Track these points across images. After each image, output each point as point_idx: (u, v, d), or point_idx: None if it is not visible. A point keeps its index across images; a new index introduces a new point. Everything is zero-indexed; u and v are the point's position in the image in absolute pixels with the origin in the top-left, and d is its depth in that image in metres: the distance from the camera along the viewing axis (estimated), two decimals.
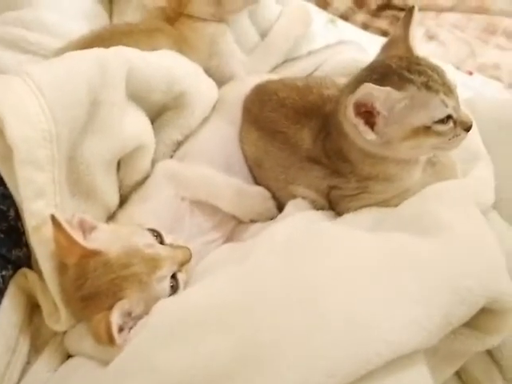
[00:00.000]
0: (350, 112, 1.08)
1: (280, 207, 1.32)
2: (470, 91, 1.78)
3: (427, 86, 1.08)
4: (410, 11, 1.19)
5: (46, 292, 1.16)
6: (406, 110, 1.08)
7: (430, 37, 2.02)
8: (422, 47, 1.94)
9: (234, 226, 1.35)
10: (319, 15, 1.98)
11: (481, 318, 1.01)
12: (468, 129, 1.13)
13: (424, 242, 1.05)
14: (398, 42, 1.18)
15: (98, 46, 1.30)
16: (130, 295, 1.08)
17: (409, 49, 1.16)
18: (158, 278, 1.10)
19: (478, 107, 1.42)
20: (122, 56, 1.25)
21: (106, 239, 1.12)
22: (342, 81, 1.28)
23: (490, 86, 1.86)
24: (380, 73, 1.12)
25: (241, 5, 1.52)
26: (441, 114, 1.09)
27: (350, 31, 1.96)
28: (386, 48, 1.20)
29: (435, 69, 1.12)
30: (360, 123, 1.09)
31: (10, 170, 1.10)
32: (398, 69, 1.11)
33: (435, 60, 1.78)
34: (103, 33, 1.45)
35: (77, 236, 1.08)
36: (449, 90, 1.11)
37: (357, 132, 1.12)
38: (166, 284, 1.12)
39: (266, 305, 0.95)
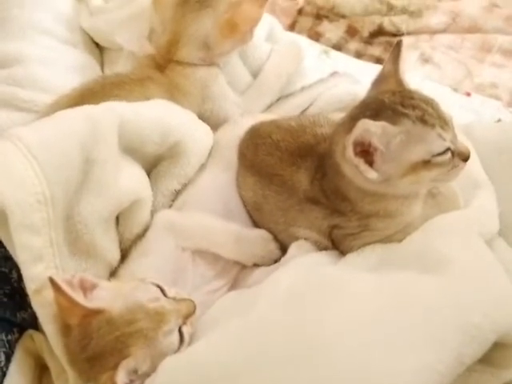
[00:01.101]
0: (350, 153, 1.07)
1: (283, 248, 1.31)
2: (469, 113, 1.77)
3: (423, 120, 1.07)
4: (397, 45, 1.17)
5: (53, 353, 1.15)
6: (402, 146, 1.07)
7: (425, 60, 2.01)
8: (417, 71, 1.95)
9: (238, 271, 1.33)
10: (312, 47, 1.97)
11: (494, 353, 1.00)
12: (466, 159, 1.12)
13: (429, 280, 1.04)
14: (389, 77, 1.17)
15: (89, 99, 1.32)
16: (136, 352, 1.06)
17: (400, 83, 1.15)
18: (165, 333, 1.08)
19: (476, 133, 1.42)
20: (112, 111, 1.25)
21: (108, 297, 1.11)
22: (336, 117, 1.27)
23: (489, 105, 1.84)
24: (373, 109, 1.11)
25: (230, 47, 1.51)
26: (439, 148, 1.08)
27: (343, 61, 1.95)
28: (376, 83, 1.19)
29: (429, 102, 1.11)
30: (361, 162, 1.08)
31: (8, 234, 1.09)
32: (391, 104, 1.10)
33: (430, 84, 1.81)
34: (94, 85, 1.44)
35: (77, 296, 1.06)
36: (444, 122, 1.10)
37: (356, 172, 1.11)
38: (174, 338, 1.10)
39: (272, 361, 0.95)
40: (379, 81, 1.19)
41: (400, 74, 1.16)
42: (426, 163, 1.08)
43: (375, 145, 1.06)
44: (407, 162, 1.08)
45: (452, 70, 1.99)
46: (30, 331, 1.24)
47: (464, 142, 1.17)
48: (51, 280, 1.06)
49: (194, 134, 1.39)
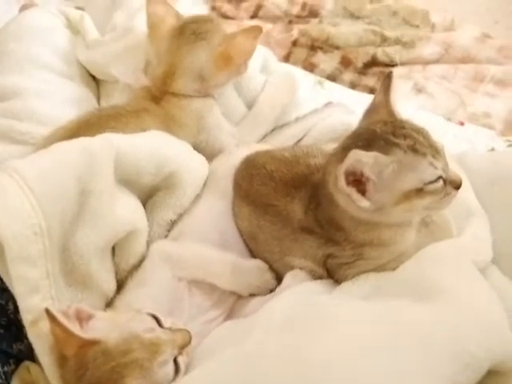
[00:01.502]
0: (342, 182, 1.08)
1: (279, 278, 1.31)
2: (463, 142, 1.78)
3: (414, 149, 1.09)
4: (388, 76, 1.19)
5: None
6: (394, 175, 1.08)
7: (419, 90, 2.03)
8: (411, 101, 1.97)
9: (234, 301, 1.33)
10: (306, 78, 1.99)
11: (489, 381, 1.00)
12: (458, 187, 1.13)
13: (423, 308, 1.05)
14: (380, 107, 1.18)
15: (86, 131, 1.33)
16: (131, 383, 1.06)
17: (391, 113, 1.16)
18: (160, 363, 1.08)
19: (469, 162, 1.43)
20: (108, 143, 1.26)
21: (104, 327, 1.11)
22: (330, 147, 1.28)
23: (483, 134, 1.85)
24: (365, 139, 1.12)
25: (225, 79, 1.53)
26: (431, 176, 1.09)
27: (337, 91, 1.96)
28: (368, 114, 1.21)
29: (420, 131, 1.12)
30: (353, 192, 1.08)
31: (4, 266, 1.09)
32: (383, 134, 1.11)
33: (424, 114, 1.83)
34: (90, 117, 1.46)
35: (73, 327, 1.07)
36: (436, 151, 1.11)
37: (349, 201, 1.11)
38: (169, 368, 1.10)
39: None
40: (371, 111, 1.21)
41: (391, 104, 1.17)
42: (419, 191, 1.09)
43: (367, 175, 1.07)
44: (400, 190, 1.09)
45: (445, 99, 2.00)
46: (27, 362, 1.24)
47: (456, 170, 1.19)
48: (47, 311, 1.06)
49: (190, 164, 1.40)
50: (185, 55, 1.49)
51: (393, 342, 0.98)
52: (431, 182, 1.09)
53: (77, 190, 1.18)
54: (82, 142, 1.24)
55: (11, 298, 1.20)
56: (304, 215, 1.25)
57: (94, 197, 1.20)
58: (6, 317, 1.25)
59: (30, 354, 1.24)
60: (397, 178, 1.08)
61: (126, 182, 1.31)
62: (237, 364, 1.01)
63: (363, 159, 1.05)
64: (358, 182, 1.09)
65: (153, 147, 1.34)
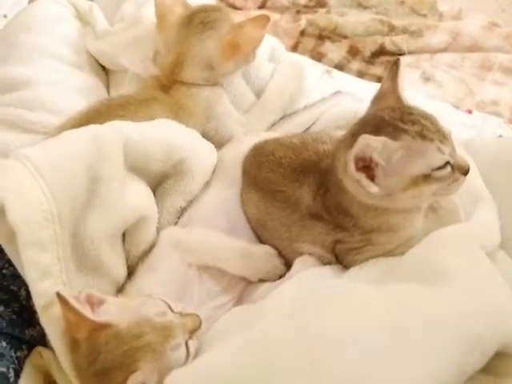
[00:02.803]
0: (352, 168, 1.09)
1: (288, 265, 1.32)
2: (471, 130, 1.78)
3: (422, 135, 1.09)
4: (395, 63, 1.19)
5: (62, 369, 1.15)
6: (403, 161, 1.09)
7: (427, 78, 2.03)
8: (419, 89, 1.97)
9: (244, 287, 1.34)
10: (314, 67, 1.99)
11: (496, 363, 1.01)
12: (466, 172, 1.14)
13: (431, 292, 1.05)
14: (387, 94, 1.19)
15: (95, 120, 1.33)
16: (144, 366, 1.06)
17: (399, 100, 1.17)
18: (172, 347, 1.09)
19: (476, 148, 1.43)
20: (117, 130, 1.27)
21: (115, 312, 1.11)
22: (339, 134, 1.29)
23: (491, 122, 1.86)
24: (374, 125, 1.13)
25: (233, 68, 1.53)
26: (439, 161, 1.09)
27: (345, 80, 1.97)
28: (375, 101, 1.21)
29: (428, 117, 1.13)
30: (362, 177, 1.09)
31: (16, 252, 1.11)
32: (391, 120, 1.12)
33: (432, 102, 1.83)
34: (99, 107, 1.47)
35: (84, 310, 1.07)
36: (443, 136, 1.11)
37: (358, 187, 1.12)
38: (181, 352, 1.10)
39: (276, 373, 0.96)
40: (378, 98, 1.21)
41: (399, 90, 1.18)
42: (427, 177, 1.10)
43: (376, 160, 1.08)
44: (408, 176, 1.10)
45: (453, 88, 2.00)
46: (39, 348, 1.25)
47: (464, 156, 1.19)
48: (58, 295, 1.07)
49: (198, 151, 1.41)
50: (193, 44, 1.50)
51: (401, 324, 0.99)
52: (439, 168, 1.10)
53: (87, 177, 1.19)
54: (92, 129, 1.26)
55: (23, 284, 1.22)
56: (312, 201, 1.26)
57: (104, 183, 1.21)
58: (18, 303, 1.27)
59: (42, 340, 1.26)
60: (405, 163, 1.09)
61: (135, 169, 1.32)
62: (246, 348, 1.02)
63: (372, 144, 1.06)
64: (367, 168, 1.09)
65: (162, 135, 1.35)
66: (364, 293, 1.09)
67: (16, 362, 1.20)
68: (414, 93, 1.86)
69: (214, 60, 1.50)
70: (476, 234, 1.22)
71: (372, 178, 1.10)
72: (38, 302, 1.11)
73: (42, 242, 1.11)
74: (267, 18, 1.48)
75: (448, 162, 1.10)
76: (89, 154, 1.20)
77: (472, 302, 1.02)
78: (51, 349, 1.20)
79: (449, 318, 1.00)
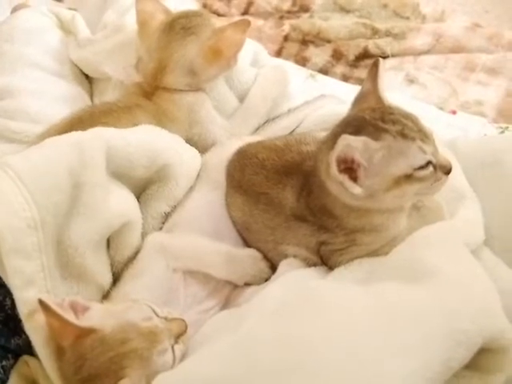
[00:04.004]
0: (334, 169, 1.08)
1: (273, 268, 1.32)
2: (456, 130, 1.78)
3: (403, 135, 1.09)
4: (375, 64, 1.20)
5: (49, 377, 1.15)
6: (384, 161, 1.09)
7: (411, 80, 2.04)
8: (403, 91, 1.98)
9: (229, 291, 1.34)
10: (299, 72, 1.99)
11: (481, 359, 1.02)
12: (448, 172, 1.14)
13: (416, 289, 1.05)
14: (368, 95, 1.19)
15: (78, 127, 1.32)
16: (131, 373, 1.05)
17: (379, 100, 1.17)
18: (159, 352, 1.09)
19: (460, 147, 1.44)
20: (99, 137, 1.27)
21: (100, 317, 1.11)
22: (323, 135, 1.29)
23: (475, 122, 1.85)
24: (355, 126, 1.13)
25: (215, 73, 1.53)
26: (420, 161, 1.10)
27: (330, 84, 1.97)
28: (357, 102, 1.22)
29: (409, 117, 1.13)
30: (345, 179, 1.09)
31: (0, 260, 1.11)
32: (371, 120, 1.12)
33: (416, 103, 1.83)
34: (82, 114, 1.46)
35: (68, 316, 1.07)
36: (425, 136, 1.12)
37: (341, 188, 1.12)
38: (168, 357, 1.10)
39: (263, 373, 0.95)
40: (359, 99, 1.22)
41: (379, 91, 1.18)
42: (409, 177, 1.10)
43: (358, 160, 1.08)
44: (390, 176, 1.10)
45: (437, 89, 2.01)
46: (25, 357, 1.24)
47: (446, 155, 1.19)
48: (40, 302, 1.06)
49: (182, 156, 1.40)
50: (175, 50, 1.50)
51: (386, 322, 0.99)
52: (421, 168, 1.10)
53: (70, 184, 1.19)
54: (73, 136, 1.25)
55: (8, 293, 1.20)
56: (296, 203, 1.26)
57: (87, 190, 1.21)
58: (3, 312, 1.26)
59: (28, 349, 1.25)
60: (387, 163, 1.09)
61: (118, 175, 1.31)
62: (232, 350, 1.01)
63: (353, 144, 1.06)
64: (349, 169, 1.09)
65: (145, 140, 1.35)
66: (349, 292, 1.09)
67: (2, 371, 1.20)
68: (398, 95, 1.86)
69: (196, 65, 1.50)
70: (460, 231, 1.23)
71: (355, 179, 1.10)
72: (23, 310, 1.11)
73: (26, 250, 1.11)
74: (247, 23, 1.48)
75: (430, 162, 1.10)
76: (71, 160, 1.20)
77: (457, 298, 1.03)
78: (37, 357, 1.19)
79: (434, 314, 1.00)
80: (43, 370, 1.16)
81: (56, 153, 1.20)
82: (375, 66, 1.20)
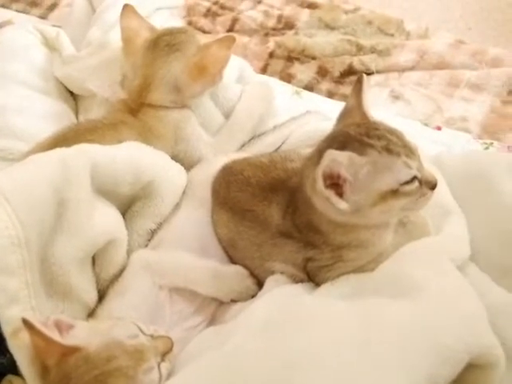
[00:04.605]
0: (320, 185, 1.08)
1: (260, 284, 1.32)
2: (441, 146, 1.79)
3: (388, 150, 1.10)
4: (359, 80, 1.21)
5: None
6: (370, 176, 1.09)
7: (395, 97, 2.04)
8: (388, 108, 1.99)
9: (216, 308, 1.34)
10: (284, 88, 2.00)
11: (469, 374, 1.02)
12: (433, 187, 1.14)
13: (401, 305, 1.06)
14: (353, 111, 1.20)
15: (63, 145, 1.31)
16: None
17: (364, 115, 1.18)
18: (145, 370, 1.07)
19: (445, 162, 1.45)
20: (84, 153, 1.26)
21: (85, 336, 1.10)
22: (308, 151, 1.29)
23: (460, 138, 1.87)
24: (340, 141, 1.13)
25: (200, 89, 1.53)
26: (406, 176, 1.10)
27: (315, 100, 1.97)
28: (341, 118, 1.22)
29: (394, 132, 1.14)
30: (331, 194, 1.09)
31: None
32: (356, 135, 1.12)
33: (401, 120, 1.84)
34: (67, 132, 1.46)
35: (52, 334, 1.06)
36: (410, 151, 1.12)
37: (327, 204, 1.12)
38: (154, 375, 1.09)
39: None
40: (344, 115, 1.22)
41: (364, 107, 1.19)
42: (395, 192, 1.10)
43: (344, 175, 1.08)
44: (376, 191, 1.10)
45: (422, 105, 2.01)
46: (9, 376, 1.22)
47: (432, 170, 1.19)
48: (24, 321, 1.05)
49: (167, 173, 1.40)
50: (160, 67, 1.50)
51: (373, 338, 0.99)
52: (406, 183, 1.10)
53: (54, 201, 1.18)
54: (57, 153, 1.25)
55: None
56: (282, 220, 1.25)
57: (72, 207, 1.20)
58: None
59: (12, 368, 1.23)
60: (372, 178, 1.09)
61: (103, 192, 1.31)
62: (216, 365, 1.01)
63: (338, 158, 1.06)
64: (335, 185, 1.09)
65: (130, 157, 1.34)
66: (335, 308, 1.08)
67: None
68: (383, 111, 1.86)
69: (181, 82, 1.50)
70: (446, 246, 1.23)
71: (340, 195, 1.10)
72: (7, 328, 1.09)
73: (10, 268, 1.10)
74: (233, 39, 1.49)
75: (415, 177, 1.11)
76: (55, 177, 1.19)
77: (442, 314, 1.03)
78: (22, 377, 1.18)
79: (419, 329, 1.00)
80: None
81: (40, 169, 1.19)
82: (359, 81, 1.21)
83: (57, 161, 1.22)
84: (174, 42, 1.51)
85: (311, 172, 1.14)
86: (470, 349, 0.98)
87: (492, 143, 1.79)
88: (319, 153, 1.12)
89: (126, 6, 1.57)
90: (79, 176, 1.22)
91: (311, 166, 1.15)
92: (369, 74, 2.10)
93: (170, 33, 1.54)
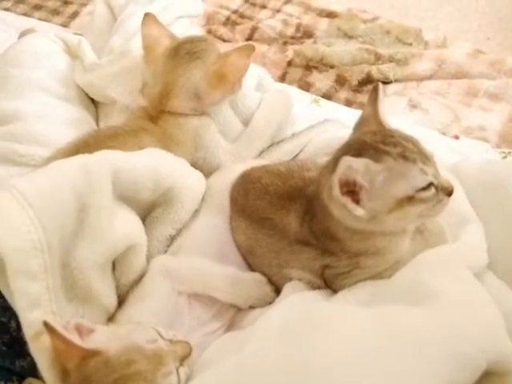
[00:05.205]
0: (337, 192, 1.09)
1: (278, 291, 1.33)
2: (458, 155, 1.79)
3: (404, 157, 1.10)
4: (375, 89, 1.22)
5: None
6: (386, 183, 1.10)
7: (413, 106, 2.05)
8: (406, 117, 1.99)
9: (234, 314, 1.34)
10: (302, 97, 2.02)
11: (486, 382, 1.01)
12: (450, 193, 1.15)
13: (419, 312, 1.06)
14: (369, 119, 1.20)
15: (84, 151, 1.33)
16: None
17: (380, 123, 1.19)
18: (164, 374, 1.08)
19: (463, 171, 1.44)
20: (106, 159, 1.28)
21: (105, 340, 1.11)
22: (324, 161, 1.30)
23: (478, 147, 1.87)
24: (356, 149, 1.14)
25: (220, 97, 1.55)
26: (422, 182, 1.10)
27: (333, 109, 1.99)
28: (358, 126, 1.23)
29: (409, 139, 1.14)
30: (348, 201, 1.10)
31: (5, 282, 1.11)
32: (372, 143, 1.13)
33: (419, 129, 1.84)
34: (88, 138, 1.48)
35: (73, 338, 1.07)
36: (426, 157, 1.12)
37: (344, 211, 1.13)
38: (173, 379, 1.10)
39: None
40: (360, 123, 1.23)
41: (380, 115, 1.19)
42: (411, 199, 1.11)
43: (360, 182, 1.09)
44: (392, 198, 1.11)
45: (440, 114, 2.02)
46: (29, 379, 1.25)
47: (448, 177, 1.20)
48: (45, 323, 1.07)
49: (187, 180, 1.42)
50: (180, 74, 1.52)
51: (389, 345, 0.99)
52: (423, 189, 1.10)
53: (76, 206, 1.20)
54: (80, 159, 1.27)
55: (13, 316, 1.22)
56: (299, 227, 1.26)
57: (93, 213, 1.22)
58: (8, 334, 1.27)
59: (33, 371, 1.25)
60: (388, 185, 1.10)
61: (124, 197, 1.32)
62: (236, 372, 1.02)
63: (354, 165, 1.07)
64: (351, 192, 1.10)
65: (150, 163, 1.36)
66: (353, 314, 1.09)
67: None
68: (401, 120, 1.87)
69: (201, 90, 1.52)
70: (463, 254, 1.23)
71: (357, 202, 1.10)
72: (28, 331, 1.11)
73: (32, 272, 1.11)
74: (252, 47, 1.50)
75: (431, 183, 1.11)
76: (77, 183, 1.21)
77: (460, 320, 1.03)
78: (42, 380, 1.19)
79: (437, 336, 1.00)
80: None
81: (62, 175, 1.21)
82: (375, 90, 1.22)
83: (79, 167, 1.23)
84: (194, 50, 1.53)
85: (327, 180, 1.15)
86: (487, 356, 0.98)
87: (510, 152, 1.79)
88: (335, 161, 1.13)
89: (147, 15, 1.59)
90: (101, 182, 1.24)
91: (327, 174, 1.16)
92: (387, 82, 2.10)
93: (191, 41, 1.56)
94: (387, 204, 1.11)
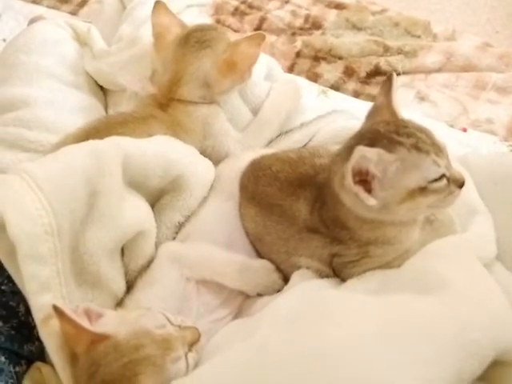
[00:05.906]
0: (349, 180, 1.09)
1: (286, 279, 1.33)
2: (466, 148, 1.80)
3: (417, 148, 1.10)
4: (388, 78, 1.21)
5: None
6: (399, 173, 1.10)
7: (421, 98, 2.05)
8: (414, 109, 1.99)
9: (242, 301, 1.35)
10: (311, 87, 2.01)
11: (494, 371, 1.02)
12: (461, 185, 1.15)
13: (428, 301, 1.06)
14: (382, 109, 1.20)
15: (94, 137, 1.34)
16: (145, 380, 1.05)
17: (393, 113, 1.18)
18: (173, 359, 1.09)
19: (472, 163, 1.44)
20: (116, 145, 1.28)
21: (114, 324, 1.11)
22: (336, 148, 1.30)
23: (486, 140, 1.87)
24: (369, 138, 1.14)
25: (229, 85, 1.55)
26: (434, 174, 1.10)
27: (341, 100, 1.99)
28: (370, 116, 1.23)
29: (423, 130, 1.14)
30: (360, 190, 1.10)
31: (15, 266, 1.12)
32: (386, 133, 1.13)
33: (427, 121, 1.84)
34: (98, 124, 1.48)
35: (82, 321, 1.07)
36: (439, 149, 1.12)
37: (355, 200, 1.13)
38: (182, 365, 1.10)
39: (275, 380, 0.96)
40: (373, 113, 1.23)
41: (393, 104, 1.19)
42: (423, 190, 1.11)
43: (373, 172, 1.09)
44: (404, 188, 1.11)
45: (448, 107, 2.01)
46: (38, 363, 1.25)
47: (459, 169, 1.20)
48: (55, 307, 1.07)
49: (196, 167, 1.42)
50: (190, 62, 1.52)
51: (398, 333, 0.99)
52: (435, 181, 1.10)
53: (86, 191, 1.20)
54: (90, 144, 1.27)
55: (22, 300, 1.23)
56: (309, 215, 1.26)
57: (103, 198, 1.22)
58: (16, 319, 1.27)
59: (41, 355, 1.26)
60: (401, 176, 1.10)
61: (134, 184, 1.33)
62: (243, 358, 1.02)
63: (368, 155, 1.07)
64: (363, 181, 1.10)
65: (160, 150, 1.36)
66: (362, 302, 1.09)
67: (15, 376, 1.20)
68: (409, 112, 1.86)
69: (211, 78, 1.52)
70: (472, 244, 1.23)
71: (369, 191, 1.10)
72: (38, 315, 1.11)
73: (42, 256, 1.12)
74: (263, 37, 1.50)
75: (444, 175, 1.11)
76: (88, 168, 1.21)
77: (469, 309, 1.03)
78: (50, 364, 1.20)
79: (446, 324, 1.01)
80: (56, 376, 1.17)
81: (73, 160, 1.22)
82: (389, 80, 1.22)
83: (90, 152, 1.24)
84: (204, 38, 1.53)
85: (340, 168, 1.15)
86: (496, 345, 0.99)
87: None
88: (348, 149, 1.13)
89: (157, 3, 1.59)
90: (111, 167, 1.24)
91: (340, 162, 1.16)
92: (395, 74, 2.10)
93: (201, 29, 1.56)
94: (399, 194, 1.11)
